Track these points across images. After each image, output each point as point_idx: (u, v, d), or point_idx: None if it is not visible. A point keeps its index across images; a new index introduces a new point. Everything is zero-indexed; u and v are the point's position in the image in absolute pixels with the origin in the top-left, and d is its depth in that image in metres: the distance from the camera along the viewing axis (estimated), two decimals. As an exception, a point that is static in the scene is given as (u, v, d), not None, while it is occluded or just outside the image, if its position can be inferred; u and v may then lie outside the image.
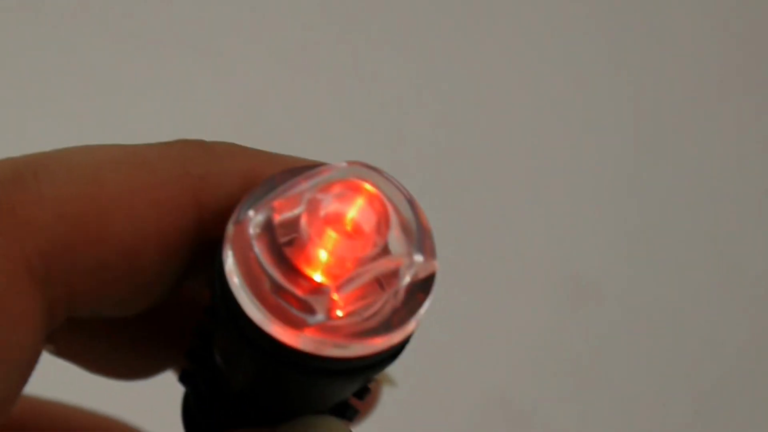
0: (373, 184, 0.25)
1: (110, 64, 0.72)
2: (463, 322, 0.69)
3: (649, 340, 0.70)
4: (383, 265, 0.24)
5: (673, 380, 0.69)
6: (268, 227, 0.24)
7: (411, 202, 0.25)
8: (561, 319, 0.70)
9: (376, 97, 0.74)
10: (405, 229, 0.25)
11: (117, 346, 0.31)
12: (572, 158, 0.74)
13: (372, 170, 0.25)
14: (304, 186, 0.24)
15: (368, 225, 0.24)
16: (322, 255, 0.24)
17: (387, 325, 0.24)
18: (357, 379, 0.26)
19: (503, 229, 0.72)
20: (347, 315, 0.24)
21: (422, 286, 0.25)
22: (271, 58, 0.74)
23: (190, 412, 0.30)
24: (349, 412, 0.28)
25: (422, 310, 0.25)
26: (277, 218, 0.24)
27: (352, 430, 0.28)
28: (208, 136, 0.28)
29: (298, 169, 0.25)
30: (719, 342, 0.70)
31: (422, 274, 0.25)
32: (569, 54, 0.77)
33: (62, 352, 0.30)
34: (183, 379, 0.30)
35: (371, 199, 0.24)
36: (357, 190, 0.24)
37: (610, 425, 0.68)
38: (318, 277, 0.24)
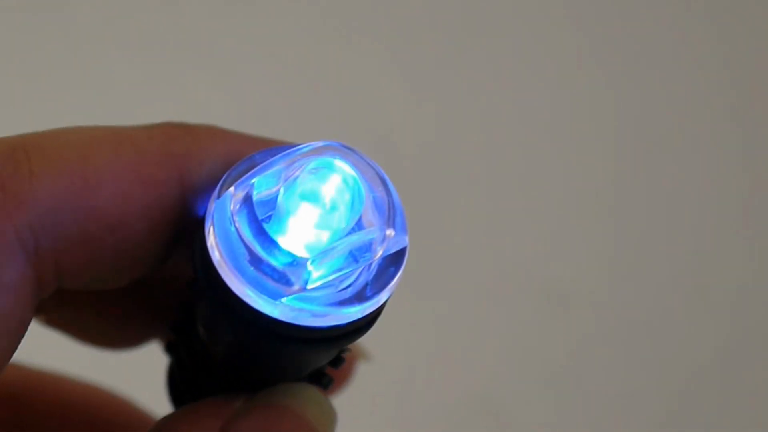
0: (347, 163, 0.26)
1: (105, 52, 0.72)
2: (446, 325, 0.70)
3: (620, 344, 0.72)
4: (357, 239, 0.25)
5: (643, 381, 0.71)
6: (247, 203, 0.25)
7: (383, 180, 0.26)
8: (538, 322, 0.71)
9: (364, 89, 0.75)
10: (377, 205, 0.26)
11: (104, 317, 0.32)
12: (552, 171, 0.75)
13: (346, 149, 0.26)
14: (281, 164, 0.26)
15: (342, 201, 0.26)
16: (299, 229, 0.25)
17: (361, 296, 0.26)
18: (332, 348, 0.27)
19: (486, 237, 0.73)
20: (323, 286, 0.25)
21: (394, 260, 0.26)
22: (260, 51, 0.75)
23: (174, 380, 0.31)
24: (324, 380, 0.30)
25: (394, 282, 0.26)
26: (256, 194, 0.25)
27: (328, 397, 0.29)
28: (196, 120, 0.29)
29: (276, 149, 0.26)
30: (688, 346, 0.72)
31: (394, 249, 0.26)
32: (554, 65, 0.78)
33: (52, 322, 0.32)
34: (168, 349, 0.31)
35: (345, 176, 0.26)
36: (331, 167, 0.26)
37: (584, 422, 0.70)
38: (295, 250, 0.25)
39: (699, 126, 0.78)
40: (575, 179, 0.75)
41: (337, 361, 0.29)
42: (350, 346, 0.28)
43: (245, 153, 0.27)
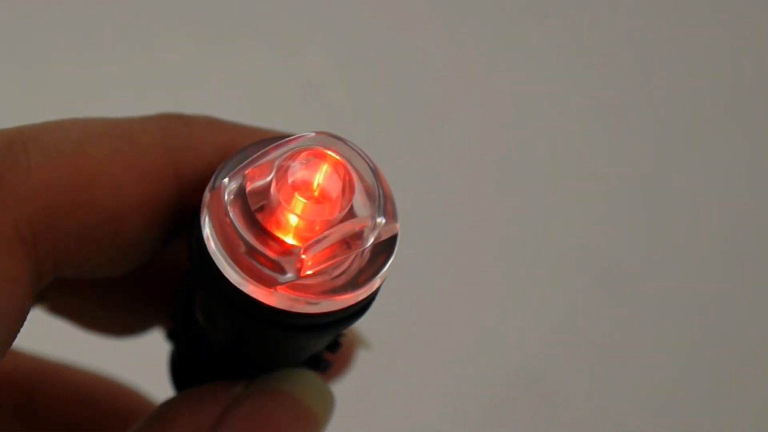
0: (337, 153, 0.26)
1: (102, 40, 0.73)
2: (498, 301, 0.71)
3: (675, 322, 0.71)
4: (348, 227, 0.26)
5: (693, 362, 0.71)
6: (241, 194, 0.26)
7: (374, 170, 0.26)
8: (593, 299, 0.71)
9: (377, 68, 0.76)
10: (368, 194, 0.26)
11: (106, 305, 0.33)
12: (609, 146, 0.75)
13: (337, 139, 0.26)
14: (273, 155, 0.26)
15: (334, 190, 0.26)
16: (291, 218, 0.26)
17: (354, 283, 0.26)
18: (328, 334, 0.28)
19: (542, 212, 0.73)
20: (316, 274, 0.26)
21: (385, 247, 0.26)
22: (255, 39, 0.75)
23: (176, 366, 0.32)
24: (322, 365, 0.30)
25: (385, 269, 0.26)
26: (250, 185, 0.26)
27: (326, 381, 0.30)
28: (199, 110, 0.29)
29: (269, 140, 0.27)
30: (743, 324, 0.72)
31: (385, 236, 0.26)
32: (606, 40, 0.78)
33: (55, 310, 0.32)
34: (170, 336, 0.32)
35: (336, 165, 0.26)
36: (323, 157, 0.26)
37: (632, 402, 0.70)
38: (288, 239, 0.26)
39: (748, 96, 0.77)
40: (633, 153, 0.75)
41: (335, 346, 0.30)
42: (348, 333, 0.29)
43: (240, 143, 0.27)
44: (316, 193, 0.26)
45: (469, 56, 0.77)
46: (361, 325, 0.29)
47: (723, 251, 0.73)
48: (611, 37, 0.78)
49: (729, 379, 0.71)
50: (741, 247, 0.74)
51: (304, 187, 0.26)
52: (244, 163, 0.26)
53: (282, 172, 0.26)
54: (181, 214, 0.28)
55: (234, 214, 0.26)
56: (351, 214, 0.26)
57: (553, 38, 0.78)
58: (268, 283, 0.25)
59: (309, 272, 0.26)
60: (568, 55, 0.77)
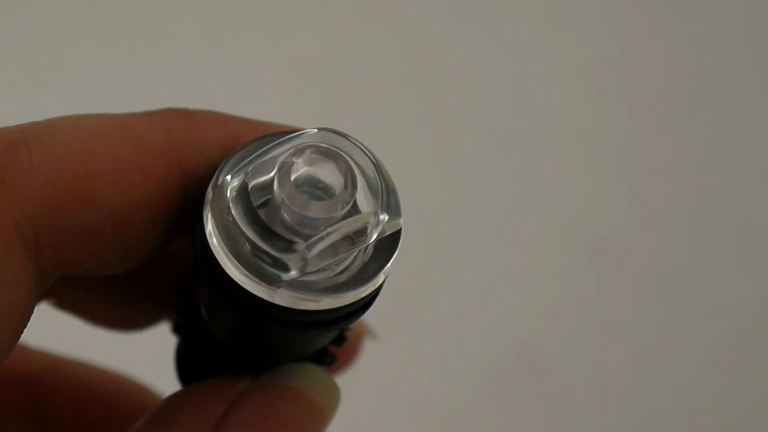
0: (340, 149, 0.26)
1: (105, 35, 0.73)
2: (494, 277, 0.71)
3: (667, 295, 0.72)
4: (351, 224, 0.26)
5: (685, 332, 0.71)
6: (244, 191, 0.26)
7: (376, 165, 0.26)
8: (586, 273, 0.71)
9: (376, 65, 0.76)
10: (372, 189, 0.26)
11: (112, 300, 0.33)
12: (599, 123, 0.75)
13: (340, 135, 0.26)
14: (276, 151, 0.26)
15: (337, 186, 0.26)
16: (294, 215, 0.26)
17: (357, 280, 0.26)
18: (331, 330, 0.28)
19: (534, 188, 0.73)
20: (319, 271, 0.26)
21: (389, 242, 0.26)
22: (258, 32, 0.75)
23: (181, 360, 0.32)
24: (327, 359, 0.30)
25: (389, 265, 0.26)
26: (252, 182, 0.26)
27: (331, 375, 0.30)
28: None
29: (272, 135, 0.27)
30: (730, 298, 0.72)
31: (388, 231, 0.26)
32: (592, 14, 0.78)
33: (61, 305, 0.33)
34: (176, 330, 0.32)
35: (339, 161, 0.26)
36: (325, 153, 0.26)
37: (629, 373, 0.70)
38: (291, 236, 0.26)
39: (744, 70, 0.77)
40: (624, 129, 0.75)
41: (340, 340, 0.30)
42: (353, 325, 0.29)
43: (244, 137, 0.27)
44: (318, 190, 0.26)
45: (460, 43, 0.77)
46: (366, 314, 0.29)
47: (715, 221, 0.73)
48: (593, 9, 0.78)
49: (724, 348, 0.71)
50: (731, 216, 0.74)
51: (306, 183, 0.26)
52: (246, 160, 0.26)
53: (284, 168, 0.26)
54: (184, 210, 0.28)
55: (236, 212, 0.26)
56: (354, 210, 0.26)
57: (539, 11, 0.78)
58: (271, 280, 0.25)
59: (312, 269, 0.25)
60: (556, 25, 0.77)
